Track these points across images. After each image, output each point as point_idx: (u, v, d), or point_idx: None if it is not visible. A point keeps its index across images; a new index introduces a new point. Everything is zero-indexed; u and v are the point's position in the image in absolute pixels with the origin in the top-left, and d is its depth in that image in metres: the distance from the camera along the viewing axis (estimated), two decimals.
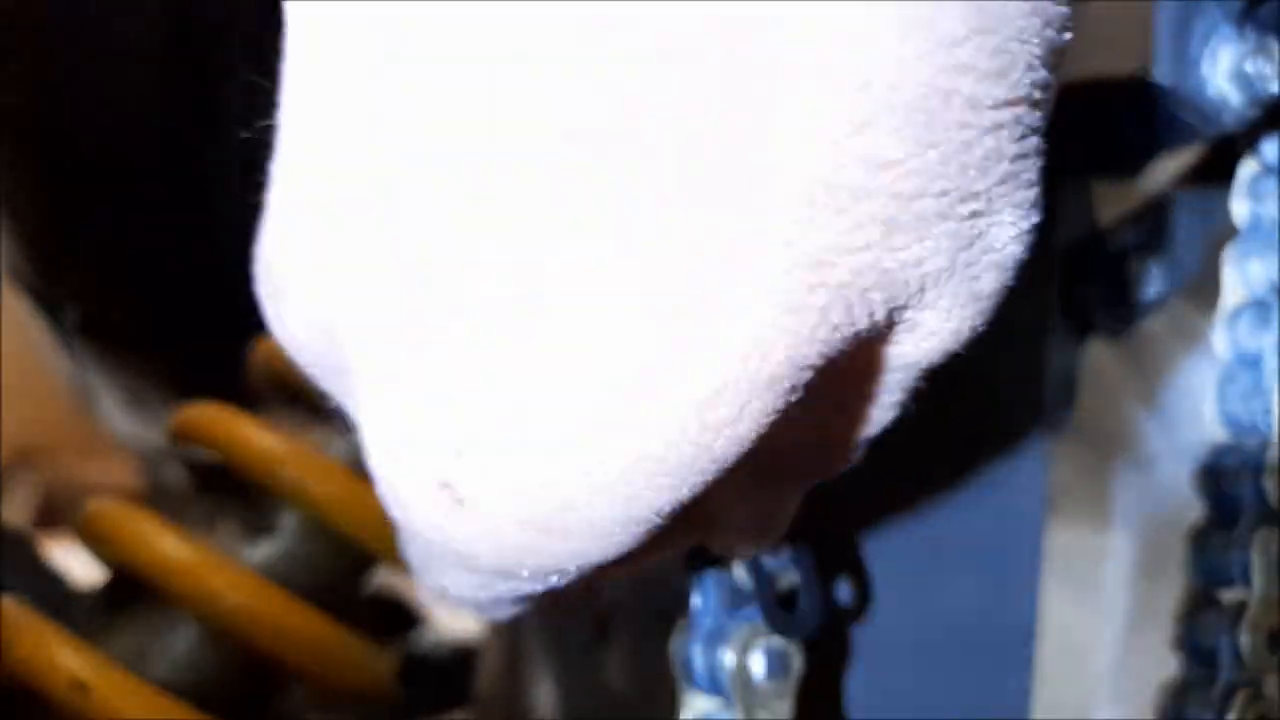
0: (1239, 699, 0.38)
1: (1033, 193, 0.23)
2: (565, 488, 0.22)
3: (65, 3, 0.67)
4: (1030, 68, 0.21)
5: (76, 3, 0.67)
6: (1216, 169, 0.42)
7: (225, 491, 0.54)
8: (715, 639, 0.33)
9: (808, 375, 0.22)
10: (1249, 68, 0.36)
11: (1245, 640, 0.38)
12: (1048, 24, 0.21)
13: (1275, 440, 0.38)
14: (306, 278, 0.24)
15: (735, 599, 0.33)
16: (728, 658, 0.33)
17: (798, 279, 0.21)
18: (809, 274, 0.21)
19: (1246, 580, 0.38)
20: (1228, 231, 0.41)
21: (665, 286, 0.21)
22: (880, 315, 0.22)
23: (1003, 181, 0.22)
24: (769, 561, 0.33)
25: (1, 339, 0.66)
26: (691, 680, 0.34)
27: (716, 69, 0.20)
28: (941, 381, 0.39)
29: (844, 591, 0.37)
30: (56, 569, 0.58)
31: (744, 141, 0.20)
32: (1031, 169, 0.23)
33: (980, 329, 0.25)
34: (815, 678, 0.35)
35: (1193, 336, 0.46)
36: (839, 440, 0.28)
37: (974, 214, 0.22)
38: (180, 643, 0.49)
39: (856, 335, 0.22)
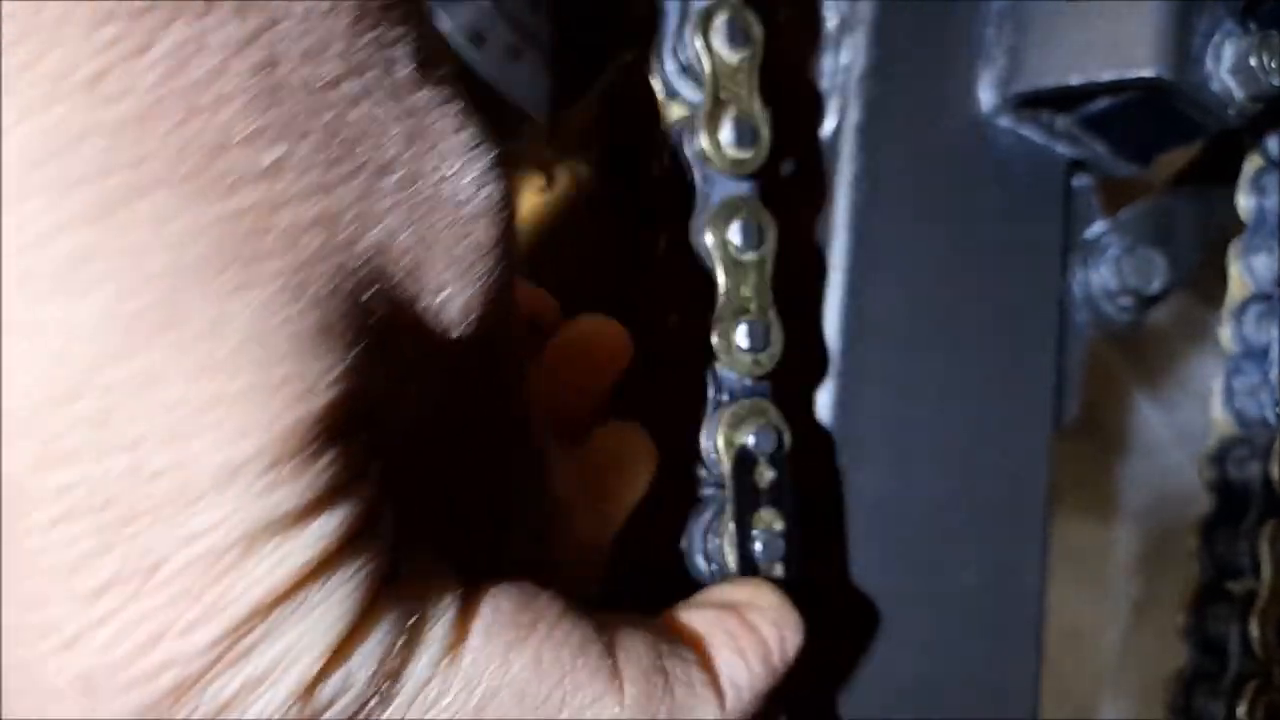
0: (1248, 689, 0.39)
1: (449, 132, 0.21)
2: None
3: None
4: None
5: None
6: (1221, 164, 0.42)
7: None
8: None
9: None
10: (1253, 62, 0.36)
11: (1254, 631, 0.38)
12: None
13: None
14: None
15: None
16: None
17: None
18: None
19: (1255, 572, 0.39)
20: (1233, 226, 0.41)
21: None
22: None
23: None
24: (760, 553, 0.33)
25: None
26: None
27: None
28: (948, 375, 0.39)
29: (836, 585, 0.37)
30: None
31: None
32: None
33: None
34: (819, 671, 0.35)
35: (1199, 330, 0.47)
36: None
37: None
38: None
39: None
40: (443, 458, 0.26)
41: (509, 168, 0.23)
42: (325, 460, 0.20)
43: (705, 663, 0.28)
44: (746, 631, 0.30)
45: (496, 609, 0.24)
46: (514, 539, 0.29)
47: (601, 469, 0.34)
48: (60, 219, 0.17)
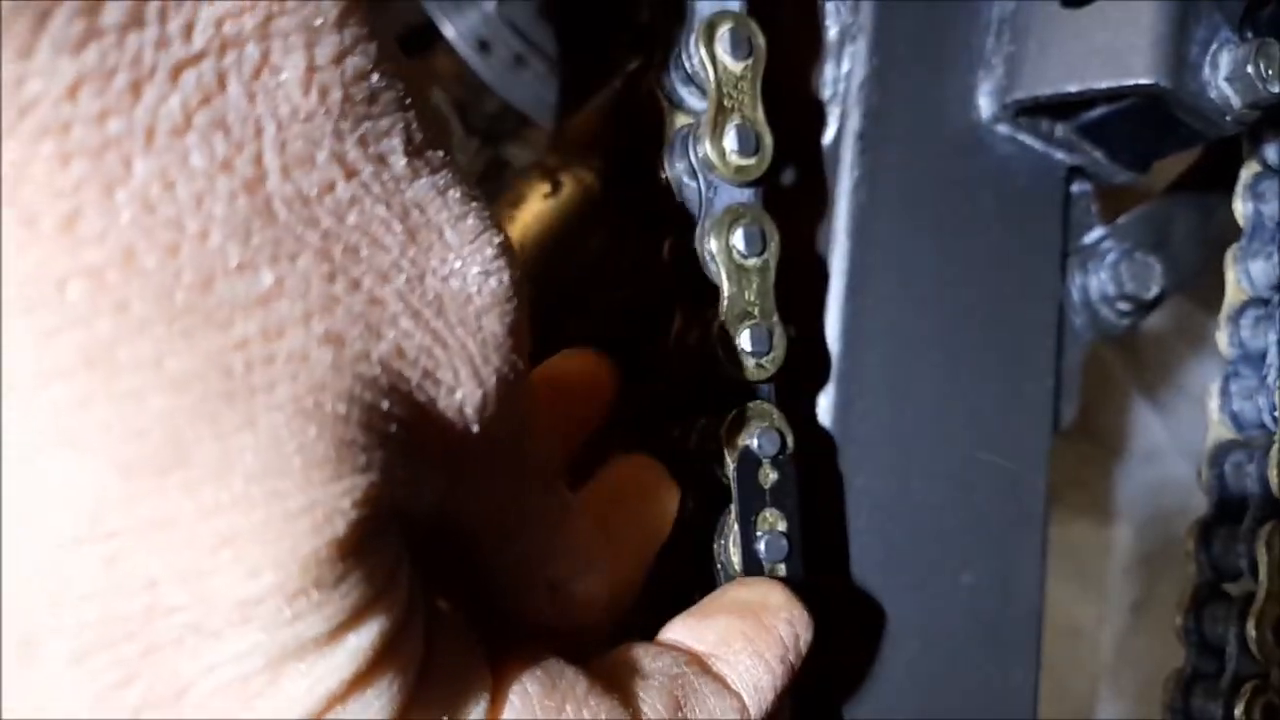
0: (1246, 690, 0.39)
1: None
2: None
3: None
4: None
5: None
6: (1219, 170, 0.43)
7: None
8: None
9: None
10: (1250, 69, 0.36)
11: (1252, 632, 0.39)
12: None
13: None
14: None
15: None
16: None
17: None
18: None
19: (1253, 573, 0.39)
20: (1231, 231, 0.41)
21: None
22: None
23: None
24: (763, 554, 0.33)
25: None
26: None
27: None
28: (948, 378, 0.40)
29: (838, 584, 0.38)
30: None
31: None
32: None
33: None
34: (820, 670, 0.35)
35: (1196, 334, 0.47)
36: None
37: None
38: None
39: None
40: (466, 533, 0.25)
41: (514, 254, 0.22)
42: (352, 580, 0.19)
43: (724, 682, 0.28)
44: (762, 633, 0.30)
45: (524, 695, 0.24)
46: (533, 606, 0.28)
47: (617, 518, 0.32)
48: (48, 368, 0.17)
